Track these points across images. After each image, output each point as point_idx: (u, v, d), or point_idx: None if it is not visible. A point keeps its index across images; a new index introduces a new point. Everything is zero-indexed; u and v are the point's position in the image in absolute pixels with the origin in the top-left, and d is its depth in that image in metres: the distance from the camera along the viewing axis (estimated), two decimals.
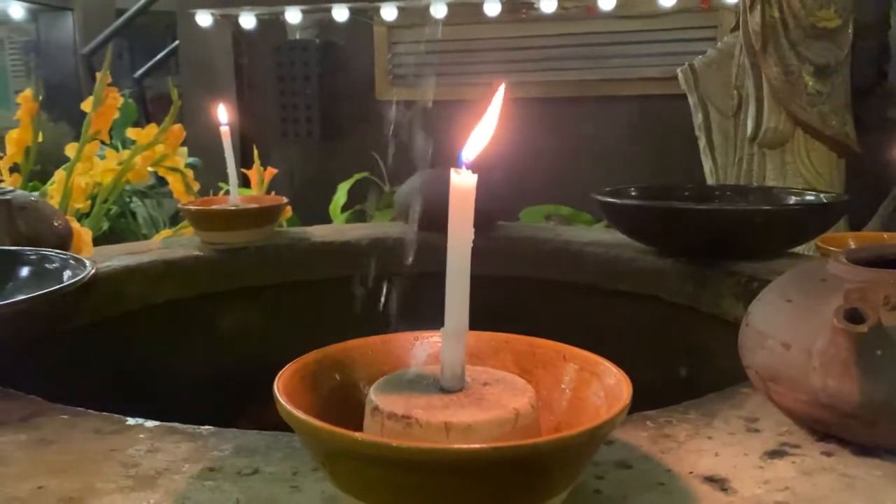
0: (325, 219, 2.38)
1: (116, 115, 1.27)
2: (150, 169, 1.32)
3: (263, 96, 2.92)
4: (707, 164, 1.82)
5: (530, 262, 0.99)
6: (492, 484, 0.29)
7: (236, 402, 0.88)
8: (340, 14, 2.72)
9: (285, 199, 1.02)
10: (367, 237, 1.01)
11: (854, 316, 0.37)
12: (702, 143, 1.84)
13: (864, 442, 0.39)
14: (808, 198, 0.92)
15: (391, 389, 0.34)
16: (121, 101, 1.29)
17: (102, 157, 1.30)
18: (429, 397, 0.33)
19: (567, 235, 1.01)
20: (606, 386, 0.35)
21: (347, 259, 0.99)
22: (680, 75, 1.87)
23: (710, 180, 1.85)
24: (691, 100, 1.85)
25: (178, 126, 1.31)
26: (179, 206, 1.01)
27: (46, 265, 0.53)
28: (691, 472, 0.37)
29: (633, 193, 0.95)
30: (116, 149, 1.53)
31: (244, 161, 1.65)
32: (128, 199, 2.24)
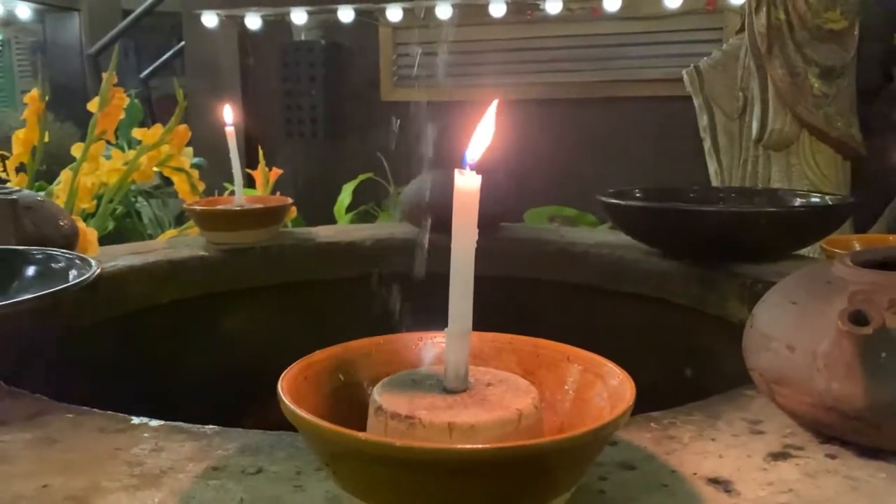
0: (330, 219, 2.38)
1: (122, 115, 1.28)
2: (155, 169, 1.33)
3: (268, 97, 2.92)
4: (712, 166, 1.81)
5: (534, 263, 0.99)
6: (495, 484, 0.29)
7: (240, 401, 0.89)
8: (346, 15, 2.72)
9: (290, 200, 1.02)
10: (371, 238, 1.01)
11: (859, 318, 0.37)
12: (707, 144, 1.84)
13: (868, 444, 0.39)
14: (814, 200, 0.91)
15: (395, 390, 0.34)
16: (127, 101, 1.29)
17: (108, 157, 1.30)
18: (432, 398, 0.33)
19: (571, 237, 1.01)
20: (610, 387, 0.35)
21: (352, 260, 1.00)
22: (685, 77, 1.87)
23: (714, 182, 1.85)
24: (696, 101, 1.84)
25: (183, 126, 1.31)
26: (185, 206, 1.01)
27: (52, 265, 0.53)
28: (695, 474, 0.37)
29: (638, 195, 0.95)
30: (122, 149, 1.54)
31: (249, 161, 1.65)
32: (133, 199, 2.25)
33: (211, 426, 0.42)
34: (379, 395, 0.33)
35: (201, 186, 1.35)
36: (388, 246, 1.00)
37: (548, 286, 0.99)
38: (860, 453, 0.39)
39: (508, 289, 0.97)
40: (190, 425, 0.42)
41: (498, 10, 2.54)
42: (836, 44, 1.46)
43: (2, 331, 0.42)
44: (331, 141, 2.87)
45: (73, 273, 0.52)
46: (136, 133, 1.31)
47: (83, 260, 0.52)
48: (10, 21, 4.84)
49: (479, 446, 0.29)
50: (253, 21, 2.86)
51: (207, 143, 2.05)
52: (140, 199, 2.34)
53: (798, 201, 0.92)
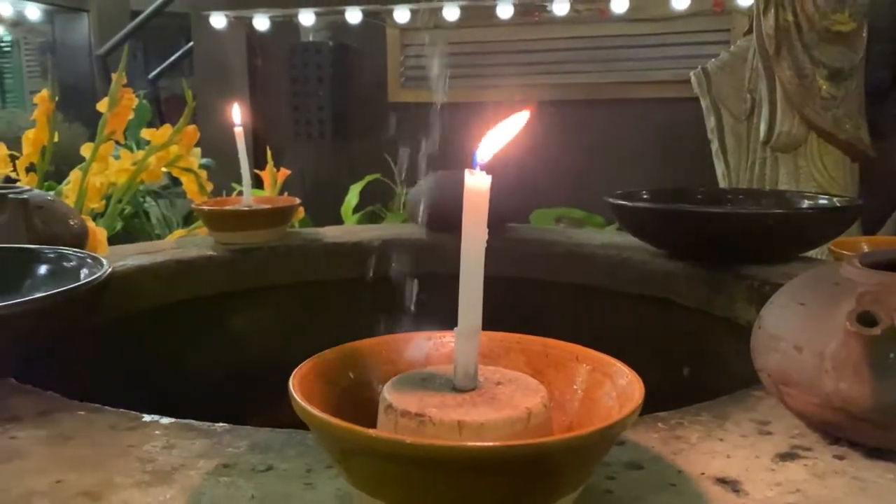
0: (337, 220, 2.39)
1: (131, 115, 1.28)
2: (163, 169, 1.33)
3: (276, 98, 2.93)
4: (719, 168, 1.81)
5: (541, 264, 0.99)
6: (504, 482, 0.30)
7: (248, 400, 0.89)
8: (353, 16, 2.73)
9: (298, 200, 1.02)
10: (379, 238, 1.02)
11: (867, 319, 0.37)
12: (714, 146, 1.83)
13: (876, 445, 0.39)
14: (822, 202, 0.91)
15: (404, 388, 0.34)
16: (136, 101, 1.30)
17: (117, 158, 1.31)
18: (442, 396, 0.33)
19: (578, 238, 1.01)
20: (619, 387, 0.35)
21: (360, 260, 1.00)
22: (693, 78, 1.87)
23: (722, 183, 1.85)
24: (704, 103, 1.84)
25: (192, 127, 1.32)
26: (193, 206, 1.01)
27: (64, 263, 0.54)
28: (703, 474, 0.37)
29: (646, 196, 0.95)
30: (131, 149, 1.55)
31: (257, 162, 1.66)
32: (141, 199, 2.26)
33: (221, 424, 0.42)
34: (389, 394, 0.33)
35: (209, 187, 1.35)
36: (396, 246, 1.01)
37: (554, 287, 0.99)
38: (868, 454, 0.39)
39: (514, 289, 0.97)
40: (200, 423, 0.42)
41: (505, 11, 2.55)
42: (844, 46, 1.46)
43: (15, 329, 0.43)
44: (338, 141, 2.88)
45: (84, 272, 0.52)
46: (145, 133, 1.32)
47: (95, 259, 0.53)
48: (20, 22, 4.86)
49: (489, 444, 0.29)
50: (261, 22, 2.87)
51: (215, 144, 2.06)
52: (148, 199, 2.35)
53: (806, 203, 0.92)
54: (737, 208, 0.93)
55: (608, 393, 0.36)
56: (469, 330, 0.34)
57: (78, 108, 3.17)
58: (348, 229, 1.15)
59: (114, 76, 1.25)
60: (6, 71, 5.25)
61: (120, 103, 1.25)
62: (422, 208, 1.02)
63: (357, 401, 0.37)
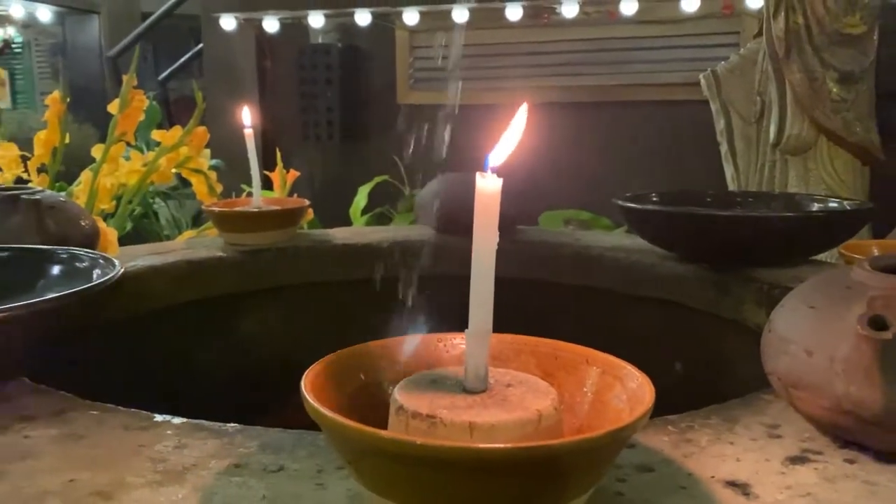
0: (346, 221, 2.39)
1: (142, 117, 1.29)
2: (173, 170, 1.34)
3: (285, 99, 2.94)
4: (729, 171, 1.81)
5: (549, 266, 0.99)
6: (515, 484, 0.30)
7: (257, 400, 0.89)
8: (363, 18, 2.73)
9: (307, 202, 1.03)
10: (388, 240, 1.02)
11: (878, 323, 0.37)
12: (724, 149, 1.83)
13: (886, 449, 0.39)
14: (831, 205, 0.91)
15: (415, 389, 0.34)
16: (146, 103, 1.30)
17: (127, 159, 1.31)
18: (453, 397, 0.33)
19: (586, 240, 1.01)
20: (629, 389, 0.35)
21: (369, 261, 1.00)
22: (702, 81, 1.87)
23: (731, 186, 1.84)
24: (713, 106, 1.84)
25: (202, 128, 1.32)
26: (204, 207, 1.02)
27: (77, 264, 0.54)
28: (713, 477, 0.37)
29: (655, 199, 0.95)
30: (141, 150, 1.55)
31: (265, 163, 1.66)
32: (151, 200, 2.27)
33: (232, 424, 0.43)
34: (400, 395, 0.34)
35: (219, 188, 1.36)
36: (405, 248, 1.01)
37: (563, 289, 0.99)
38: (878, 458, 0.39)
39: (523, 291, 0.97)
40: (211, 423, 0.43)
41: (514, 13, 2.55)
42: (854, 48, 1.45)
43: (30, 328, 0.43)
44: (347, 143, 2.88)
45: (96, 272, 0.53)
46: (156, 135, 1.32)
47: (107, 260, 0.53)
48: (31, 23, 4.90)
49: (501, 445, 0.29)
50: (270, 24, 2.88)
51: (224, 145, 2.07)
52: (158, 199, 2.36)
53: (816, 206, 0.92)
54: (747, 211, 0.93)
55: (618, 395, 0.36)
56: (480, 332, 0.34)
57: (88, 110, 3.19)
58: (357, 231, 1.15)
59: (125, 78, 1.25)
60: (17, 72, 5.28)
61: (131, 105, 1.25)
62: (431, 210, 1.02)
63: (367, 402, 0.37)
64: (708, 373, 0.85)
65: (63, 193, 1.14)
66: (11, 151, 1.27)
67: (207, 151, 1.42)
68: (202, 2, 3.16)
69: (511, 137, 0.35)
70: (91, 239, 0.81)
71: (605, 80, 2.59)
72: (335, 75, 2.81)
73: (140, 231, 2.21)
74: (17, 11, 4.66)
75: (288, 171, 1.40)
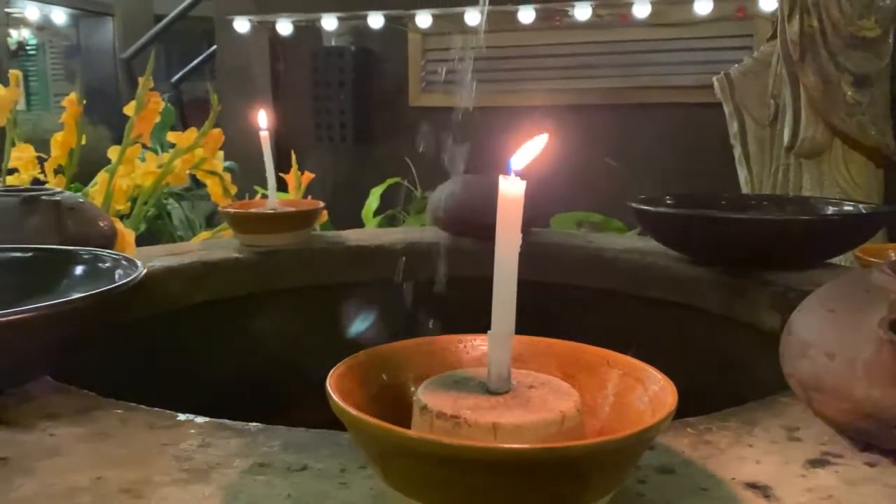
0: (358, 223, 2.40)
1: (158, 119, 1.30)
2: (188, 172, 1.35)
3: (298, 102, 2.95)
4: (742, 174, 1.80)
5: (562, 268, 0.99)
6: (539, 484, 0.30)
7: (271, 400, 0.90)
8: (376, 21, 2.74)
9: (322, 204, 1.03)
10: (401, 241, 1.02)
11: None
12: (737, 152, 1.82)
13: None
14: (846, 208, 0.91)
15: (439, 390, 0.35)
16: (162, 105, 1.31)
17: (142, 160, 1.32)
18: (476, 398, 0.34)
19: (600, 242, 1.01)
20: (651, 391, 0.35)
21: (383, 263, 1.00)
22: (716, 84, 1.86)
23: (744, 189, 1.84)
24: (727, 108, 1.83)
25: (217, 130, 1.33)
26: (220, 208, 1.03)
27: (99, 265, 0.55)
28: (734, 479, 0.37)
29: (669, 201, 0.95)
30: (155, 152, 1.56)
31: (279, 165, 1.67)
32: (164, 201, 2.28)
33: (254, 423, 0.43)
34: (423, 395, 0.34)
35: (233, 189, 1.37)
36: (418, 250, 1.01)
37: (576, 291, 0.99)
38: None
39: (536, 294, 0.97)
40: (234, 422, 0.43)
41: (527, 16, 2.55)
42: (869, 51, 1.45)
43: (58, 328, 0.44)
44: (359, 145, 2.89)
45: (118, 273, 0.53)
46: (171, 137, 1.33)
47: (129, 261, 0.54)
48: (45, 25, 4.93)
49: (527, 446, 0.29)
50: (284, 27, 2.89)
51: (237, 147, 2.08)
52: (171, 200, 2.38)
53: (831, 210, 0.92)
54: (762, 214, 0.93)
55: (640, 398, 0.36)
56: (503, 333, 0.34)
57: (102, 111, 3.21)
58: (371, 232, 1.16)
59: (141, 80, 1.26)
60: (31, 74, 5.32)
61: (147, 107, 1.26)
62: (443, 213, 1.02)
63: (390, 402, 0.37)
64: (722, 375, 0.85)
65: (79, 194, 1.15)
66: (28, 153, 1.28)
67: (221, 153, 1.43)
68: (216, 4, 3.18)
69: (534, 144, 0.35)
70: (109, 240, 0.82)
71: (618, 83, 2.59)
72: (348, 78, 2.82)
73: (153, 231, 2.23)
74: (33, 14, 4.70)
75: (302, 173, 1.41)
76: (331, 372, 0.35)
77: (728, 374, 0.85)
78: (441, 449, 0.29)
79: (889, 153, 1.64)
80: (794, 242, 0.80)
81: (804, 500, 0.35)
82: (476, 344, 0.42)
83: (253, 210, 0.99)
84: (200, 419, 0.43)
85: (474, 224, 0.96)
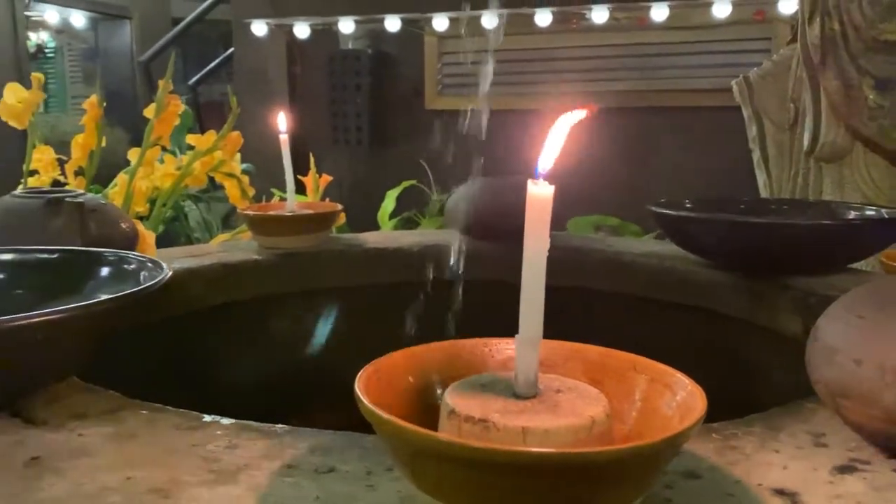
0: (373, 225, 2.41)
1: (177, 121, 1.31)
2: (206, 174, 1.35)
3: (315, 104, 2.96)
4: (761, 178, 1.79)
5: (581, 272, 0.99)
6: (567, 489, 0.30)
7: (290, 401, 0.90)
8: (393, 24, 2.75)
9: (340, 206, 1.04)
10: (419, 244, 1.02)
11: None
12: (756, 156, 1.81)
13: None
14: (869, 213, 0.90)
15: (466, 393, 0.35)
16: (182, 108, 1.32)
17: (161, 162, 1.33)
18: (504, 402, 0.34)
19: (619, 246, 1.01)
20: (679, 397, 0.35)
21: (400, 265, 1.01)
22: (734, 87, 1.85)
23: (763, 194, 1.82)
24: (745, 112, 1.82)
25: (235, 133, 1.34)
26: (239, 211, 1.03)
27: (125, 266, 0.55)
28: (760, 484, 0.37)
29: (689, 205, 0.94)
30: (174, 154, 1.57)
31: (294, 167, 1.67)
32: (182, 203, 2.30)
33: (280, 425, 0.43)
34: (451, 399, 0.34)
35: (251, 192, 1.37)
36: (436, 252, 1.01)
37: (595, 295, 0.99)
38: None
39: (554, 298, 0.97)
40: (260, 424, 0.43)
41: (543, 19, 2.55)
42: (892, 55, 1.43)
43: (89, 328, 0.44)
44: (375, 148, 2.90)
45: (143, 274, 0.54)
46: (190, 139, 1.34)
47: (154, 262, 0.54)
48: (64, 28, 4.98)
49: (558, 451, 0.29)
50: (301, 30, 2.90)
51: (254, 149, 2.09)
52: (188, 202, 2.39)
53: (852, 214, 0.91)
54: (783, 219, 0.92)
55: (668, 403, 0.36)
56: (531, 337, 0.34)
57: (119, 113, 3.24)
58: (388, 235, 1.16)
59: (161, 83, 1.27)
60: (49, 76, 5.37)
61: (167, 109, 1.27)
62: (462, 215, 1.02)
63: (414, 404, 0.37)
64: (742, 380, 0.85)
65: (99, 195, 1.16)
66: (48, 155, 1.29)
67: (238, 155, 1.44)
68: (234, 8, 3.19)
69: (559, 142, 0.35)
70: (131, 241, 0.82)
71: (635, 86, 2.58)
72: (364, 81, 2.83)
73: (170, 233, 2.24)
74: (52, 17, 4.75)
75: (320, 176, 1.42)
76: (359, 374, 0.35)
77: (748, 379, 0.84)
78: (472, 452, 0.29)
79: None
80: (815, 247, 0.79)
81: None
82: (501, 347, 0.42)
83: (272, 212, 1.00)
84: (226, 420, 0.44)
85: (493, 227, 0.96)
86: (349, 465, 0.38)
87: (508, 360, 0.41)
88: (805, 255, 0.80)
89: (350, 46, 2.88)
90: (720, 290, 0.86)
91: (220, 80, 4.07)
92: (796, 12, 1.72)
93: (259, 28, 2.94)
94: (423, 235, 1.15)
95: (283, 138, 0.99)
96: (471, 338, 0.42)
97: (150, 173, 1.32)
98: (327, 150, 2.81)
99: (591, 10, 2.49)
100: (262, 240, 0.98)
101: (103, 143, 1.27)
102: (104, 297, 0.46)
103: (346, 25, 2.80)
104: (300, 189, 1.49)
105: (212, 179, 1.40)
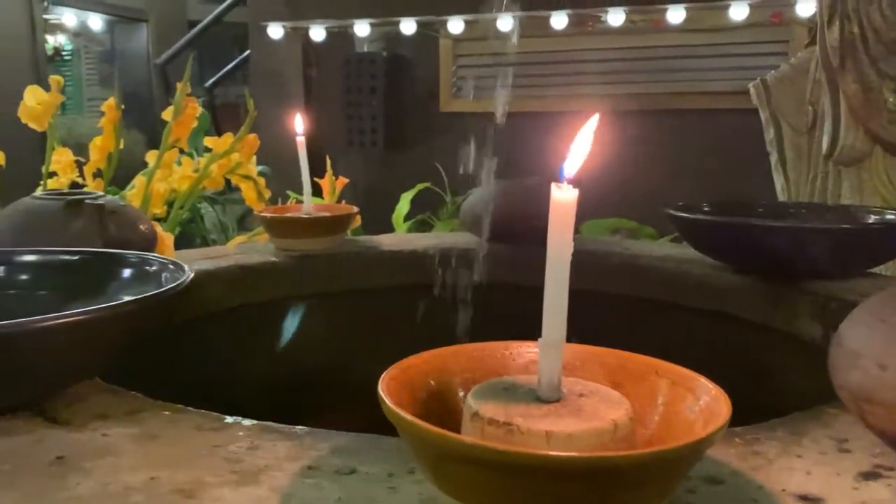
0: (388, 227, 2.41)
1: (195, 123, 1.32)
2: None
3: (330, 107, 2.97)
4: (779, 181, 1.78)
5: (598, 275, 0.99)
6: (591, 493, 0.30)
7: (307, 403, 0.90)
8: (408, 27, 2.76)
9: (356, 209, 1.04)
10: (434, 246, 1.02)
11: None
12: (773, 159, 1.80)
13: None
14: (889, 216, 0.89)
15: (489, 396, 0.35)
16: (199, 111, 1.33)
17: (178, 164, 1.34)
18: (527, 405, 0.34)
19: (635, 249, 1.01)
20: (701, 401, 0.35)
21: (416, 268, 1.01)
22: (752, 90, 1.84)
23: (781, 197, 1.81)
24: (763, 115, 1.81)
25: (252, 136, 1.34)
26: (256, 213, 1.04)
27: (146, 268, 0.55)
28: (783, 490, 0.37)
29: (706, 209, 0.94)
30: (191, 156, 1.58)
31: (311, 170, 1.68)
32: (198, 205, 2.31)
33: (301, 427, 0.43)
34: (474, 401, 0.34)
35: (267, 194, 1.38)
36: (452, 255, 1.01)
37: (611, 299, 0.98)
38: None
39: (573, 301, 0.97)
40: (281, 425, 0.44)
41: (559, 22, 2.54)
42: None
43: (111, 329, 0.45)
44: (390, 150, 2.91)
45: (165, 276, 0.54)
46: (208, 142, 1.35)
47: (175, 264, 0.54)
48: (81, 31, 5.02)
49: (582, 454, 0.29)
50: (317, 33, 2.91)
51: (269, 152, 2.09)
52: (204, 204, 2.41)
53: (872, 218, 0.90)
54: (801, 222, 0.92)
55: (690, 407, 0.36)
56: (554, 341, 0.34)
57: (136, 115, 3.26)
58: (404, 237, 1.16)
59: (179, 85, 1.28)
60: (66, 79, 5.41)
61: (184, 112, 1.28)
62: (478, 218, 1.02)
63: (436, 406, 0.38)
64: (760, 385, 0.84)
65: (118, 196, 1.17)
66: (66, 156, 1.31)
67: (254, 157, 1.44)
68: (250, 10, 3.21)
69: (583, 146, 0.35)
70: (150, 243, 0.83)
71: (651, 89, 2.57)
72: (379, 83, 2.84)
73: (186, 234, 2.25)
74: (70, 20, 4.79)
75: (336, 178, 1.42)
76: (382, 376, 0.35)
77: (767, 384, 0.84)
78: (496, 455, 0.29)
79: None
80: (835, 251, 0.79)
81: None
82: (522, 351, 0.42)
83: (289, 215, 1.00)
84: (248, 422, 0.44)
85: (509, 230, 0.95)
86: (370, 467, 0.38)
87: (529, 364, 0.41)
88: (824, 259, 0.79)
89: (365, 49, 2.89)
90: (738, 295, 0.85)
91: (236, 83, 4.10)
92: (813, 15, 1.71)
93: (275, 31, 2.95)
94: (438, 238, 1.15)
95: (300, 140, 1.00)
96: (486, 341, 0.42)
97: (168, 175, 1.33)
98: (342, 152, 2.82)
99: (607, 12, 2.49)
100: (280, 242, 0.98)
101: (121, 146, 1.28)
102: (128, 298, 0.46)
103: (362, 28, 2.81)
104: (316, 191, 1.50)
105: (227, 181, 1.41)
